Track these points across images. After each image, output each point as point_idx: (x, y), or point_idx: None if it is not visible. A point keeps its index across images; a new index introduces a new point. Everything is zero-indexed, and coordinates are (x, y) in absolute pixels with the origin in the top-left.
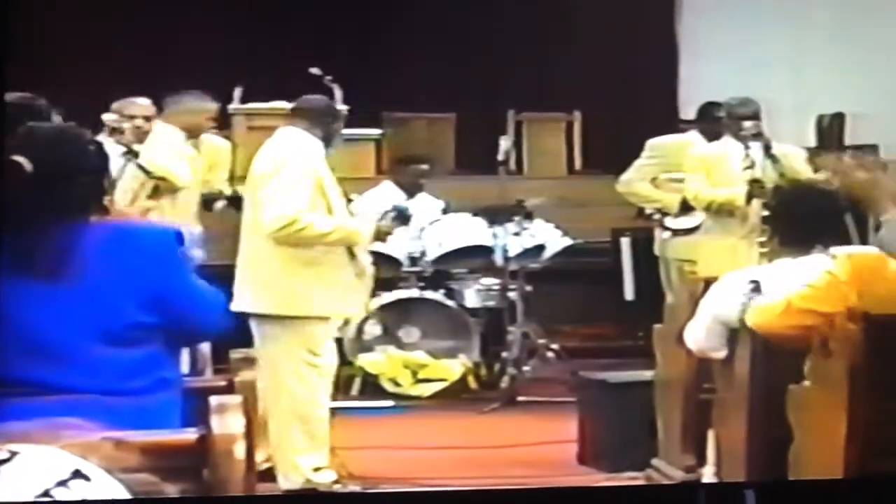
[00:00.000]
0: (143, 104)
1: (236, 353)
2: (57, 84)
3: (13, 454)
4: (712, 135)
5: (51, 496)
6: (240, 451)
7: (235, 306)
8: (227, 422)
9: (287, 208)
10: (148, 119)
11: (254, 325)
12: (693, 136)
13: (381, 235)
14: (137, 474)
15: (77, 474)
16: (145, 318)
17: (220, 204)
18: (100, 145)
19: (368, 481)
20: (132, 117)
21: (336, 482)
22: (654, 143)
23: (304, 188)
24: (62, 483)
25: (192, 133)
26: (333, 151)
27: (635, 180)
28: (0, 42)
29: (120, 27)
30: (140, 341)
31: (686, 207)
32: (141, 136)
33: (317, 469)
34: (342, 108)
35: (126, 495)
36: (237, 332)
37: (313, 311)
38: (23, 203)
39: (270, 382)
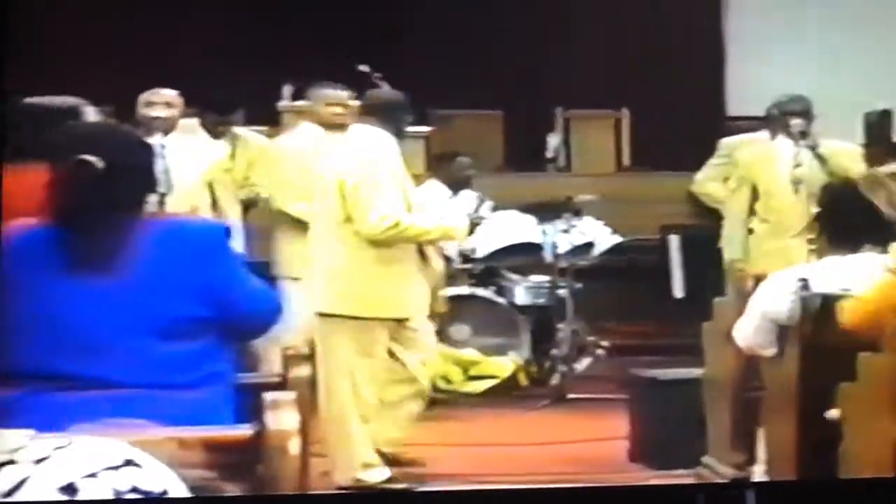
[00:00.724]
0: (168, 94)
1: (289, 350)
2: (86, 81)
3: (70, 442)
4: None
5: (95, 476)
6: (294, 447)
7: (307, 304)
8: (281, 418)
9: (389, 210)
10: (170, 106)
11: (317, 323)
12: (763, 136)
13: (472, 230)
14: (195, 470)
15: (129, 462)
16: (195, 312)
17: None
18: (147, 143)
19: (417, 479)
20: (167, 105)
21: (387, 481)
22: (725, 143)
23: (394, 188)
24: (112, 468)
25: (329, 126)
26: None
27: (707, 180)
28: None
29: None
30: (190, 336)
31: None
32: (168, 127)
33: (367, 466)
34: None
35: (182, 488)
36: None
37: (383, 312)
38: (91, 201)
39: (329, 379)
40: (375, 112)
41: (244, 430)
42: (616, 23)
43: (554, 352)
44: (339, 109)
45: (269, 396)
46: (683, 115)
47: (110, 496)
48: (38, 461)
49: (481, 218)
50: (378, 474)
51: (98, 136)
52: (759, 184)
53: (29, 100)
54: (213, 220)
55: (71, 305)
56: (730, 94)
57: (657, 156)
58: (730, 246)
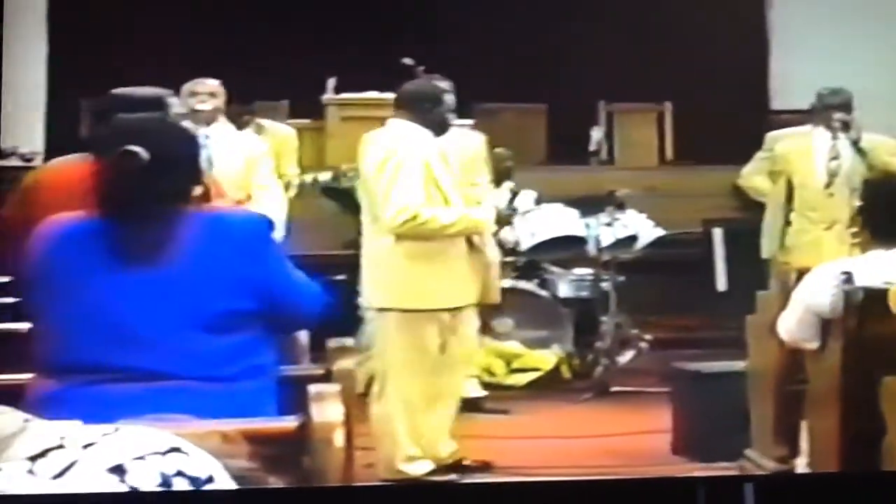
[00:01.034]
0: (212, 84)
1: (333, 342)
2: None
3: (117, 429)
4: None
5: (143, 459)
6: (339, 439)
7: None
8: (326, 410)
9: (407, 203)
10: (214, 96)
11: (368, 315)
12: (808, 129)
13: (502, 222)
14: (239, 461)
15: (175, 449)
16: (240, 305)
17: (290, 192)
18: (194, 134)
19: (460, 471)
20: (211, 95)
21: (430, 473)
22: (771, 136)
23: (417, 181)
24: (159, 453)
25: None
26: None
27: (752, 173)
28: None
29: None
30: (234, 328)
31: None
32: (211, 118)
33: (410, 458)
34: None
35: (226, 476)
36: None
37: (430, 305)
38: (137, 192)
39: (379, 371)
40: (404, 105)
41: (290, 423)
42: (659, 16)
43: (597, 345)
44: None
45: (313, 389)
46: (726, 108)
47: (157, 479)
48: (86, 446)
49: (514, 210)
50: (421, 467)
51: (145, 127)
52: (795, 176)
53: (117, 91)
54: (257, 212)
55: (117, 297)
56: (773, 88)
57: (700, 149)
58: (768, 238)
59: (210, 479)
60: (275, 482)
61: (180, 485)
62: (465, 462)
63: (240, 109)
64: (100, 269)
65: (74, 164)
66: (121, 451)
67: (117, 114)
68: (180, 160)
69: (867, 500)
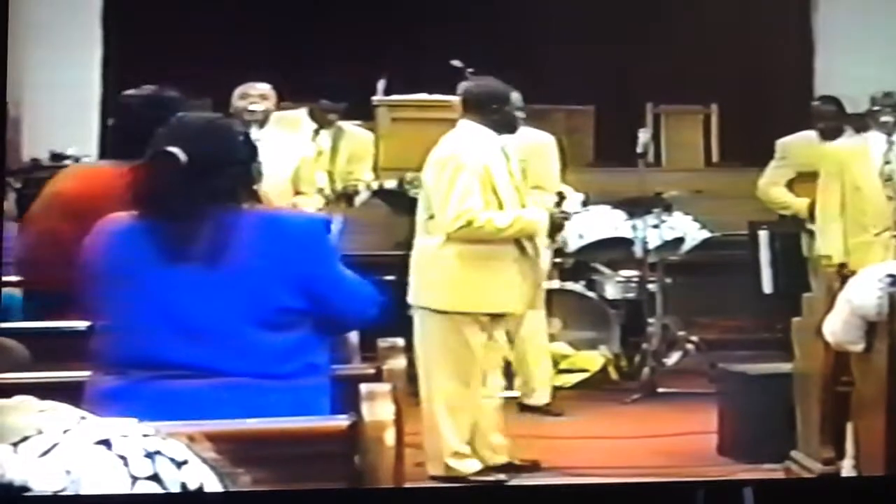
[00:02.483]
0: (263, 87)
1: (384, 342)
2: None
3: (89, 417)
4: (830, 132)
5: (127, 436)
6: (390, 438)
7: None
8: (377, 409)
9: (465, 207)
10: (265, 99)
11: (416, 315)
12: (810, 134)
13: (556, 225)
14: (207, 454)
15: (149, 435)
16: (295, 303)
17: (362, 196)
18: (247, 135)
19: (506, 471)
20: (262, 97)
21: (480, 472)
22: (782, 144)
23: (474, 185)
24: (138, 434)
25: None
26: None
27: (769, 185)
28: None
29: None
30: (290, 326)
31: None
32: (262, 120)
33: (457, 455)
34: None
35: (199, 462)
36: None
37: (478, 308)
38: (176, 192)
39: (423, 370)
40: (467, 106)
41: (341, 421)
42: (706, 18)
43: (644, 346)
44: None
45: (364, 388)
46: (772, 110)
47: (142, 452)
48: (66, 431)
49: (566, 213)
50: (469, 465)
51: (198, 128)
52: (848, 179)
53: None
54: (314, 214)
55: (176, 294)
56: (818, 90)
57: (745, 151)
58: (821, 241)
59: (185, 462)
60: (243, 476)
61: (162, 461)
62: (515, 462)
63: (329, 106)
64: (157, 267)
65: (101, 170)
66: (102, 429)
67: (141, 113)
68: (226, 160)
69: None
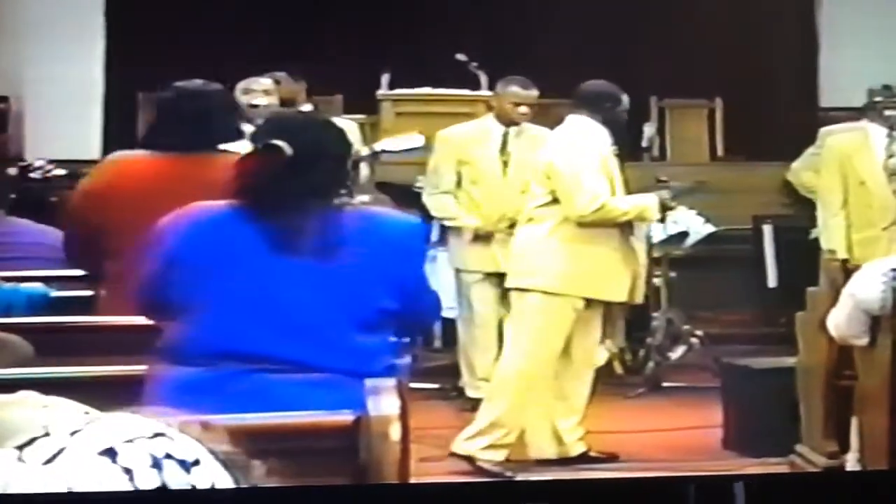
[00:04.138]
0: (265, 82)
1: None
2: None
3: (100, 417)
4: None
5: (132, 442)
6: (395, 432)
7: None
8: (383, 404)
9: (597, 192)
10: (268, 94)
11: (517, 298)
12: (861, 126)
13: (665, 207)
14: (222, 446)
15: (159, 435)
16: (391, 304)
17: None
18: (343, 131)
19: (520, 465)
20: (265, 93)
21: (503, 462)
22: (824, 132)
23: (599, 172)
24: (146, 437)
25: (506, 121)
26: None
27: (802, 169)
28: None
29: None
30: (383, 327)
31: None
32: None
33: (486, 447)
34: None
35: (212, 460)
36: None
37: (582, 292)
38: (281, 184)
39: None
40: (581, 103)
41: (346, 416)
42: (710, 12)
43: (649, 340)
44: (524, 109)
45: (369, 383)
46: (776, 105)
47: (149, 461)
48: (73, 433)
49: (670, 198)
50: (493, 455)
51: (299, 123)
52: (851, 173)
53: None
54: (412, 216)
55: (275, 287)
56: (823, 85)
57: (750, 145)
58: (824, 236)
59: (196, 462)
60: (259, 466)
61: (169, 467)
62: (591, 453)
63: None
64: (259, 258)
65: (141, 160)
66: (109, 434)
67: (179, 104)
68: (328, 155)
69: (861, 500)
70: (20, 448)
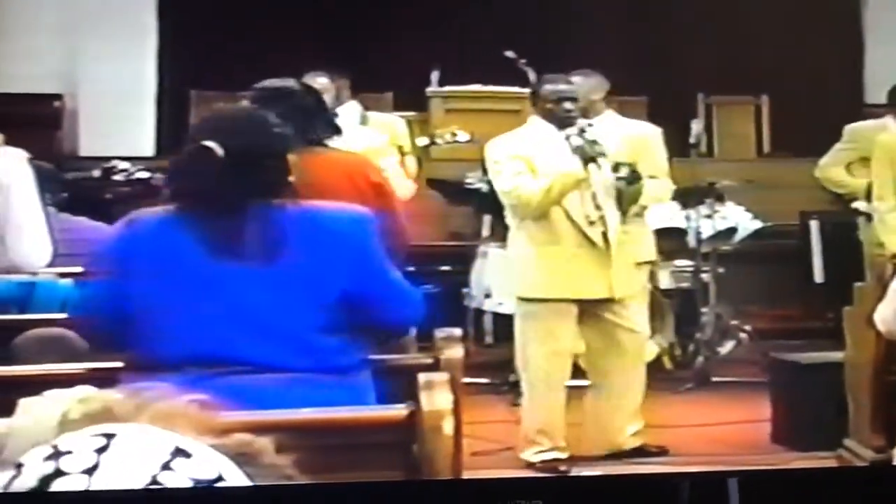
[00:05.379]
0: (321, 81)
1: (441, 332)
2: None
3: (109, 439)
4: None
5: (158, 482)
6: (448, 427)
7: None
8: (435, 398)
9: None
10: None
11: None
12: (887, 122)
13: (588, 159)
14: (264, 457)
15: (178, 452)
16: (344, 298)
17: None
18: (283, 127)
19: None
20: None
21: (552, 461)
22: (849, 129)
23: (516, 161)
24: (165, 465)
25: (587, 115)
26: None
27: (830, 165)
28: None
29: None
30: (341, 323)
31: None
32: None
33: (531, 443)
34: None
35: (237, 473)
36: None
37: (546, 294)
38: (214, 187)
39: (519, 360)
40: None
41: (399, 411)
42: (756, 9)
43: (698, 335)
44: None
45: (423, 377)
46: (822, 101)
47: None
48: (89, 471)
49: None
50: (542, 453)
51: (234, 121)
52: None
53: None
54: (360, 208)
55: (224, 291)
56: (868, 81)
57: (796, 142)
58: (880, 229)
59: (220, 478)
60: (265, 446)
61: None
62: (646, 448)
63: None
64: (204, 263)
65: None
66: (131, 476)
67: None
68: (263, 154)
69: (854, 497)
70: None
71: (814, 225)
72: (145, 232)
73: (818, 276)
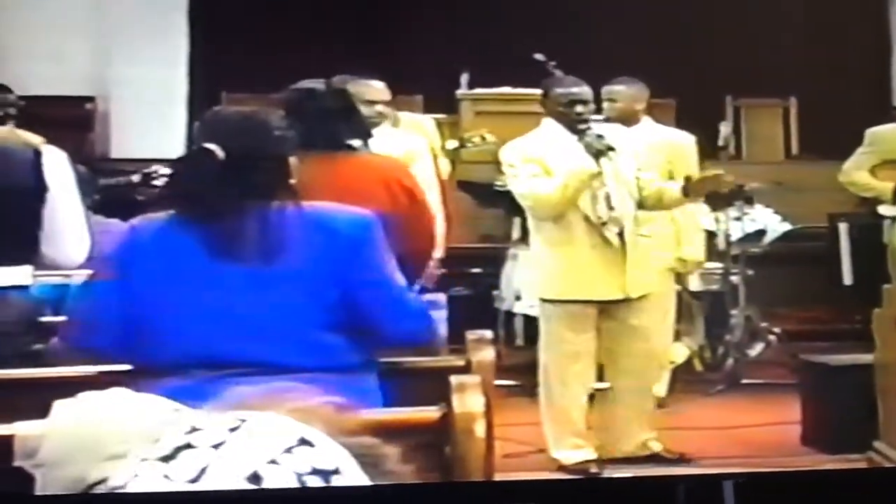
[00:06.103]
0: (378, 87)
1: (472, 334)
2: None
3: (242, 422)
4: None
5: (277, 463)
6: (480, 429)
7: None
8: (468, 400)
9: (521, 188)
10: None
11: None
12: None
13: (597, 153)
14: (356, 437)
15: (302, 441)
16: (345, 299)
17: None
18: (284, 129)
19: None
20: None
21: (585, 462)
22: (872, 132)
23: (530, 164)
24: (289, 451)
25: (628, 122)
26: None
27: (853, 169)
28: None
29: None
30: (343, 323)
31: None
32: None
33: (570, 452)
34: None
35: (353, 465)
36: None
37: (563, 295)
38: (215, 189)
39: (542, 360)
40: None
41: (432, 412)
42: (784, 12)
43: (727, 337)
44: (580, 108)
45: (455, 379)
46: (850, 103)
47: (294, 482)
48: (216, 446)
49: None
50: (571, 455)
51: (235, 123)
52: None
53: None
54: (360, 211)
55: (226, 293)
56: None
57: (824, 144)
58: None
59: (336, 471)
60: (391, 454)
61: (311, 482)
62: (663, 453)
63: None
64: (205, 266)
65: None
66: (253, 453)
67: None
68: (263, 156)
69: (849, 498)
70: (165, 460)
71: (842, 227)
72: (148, 236)
73: (847, 277)
